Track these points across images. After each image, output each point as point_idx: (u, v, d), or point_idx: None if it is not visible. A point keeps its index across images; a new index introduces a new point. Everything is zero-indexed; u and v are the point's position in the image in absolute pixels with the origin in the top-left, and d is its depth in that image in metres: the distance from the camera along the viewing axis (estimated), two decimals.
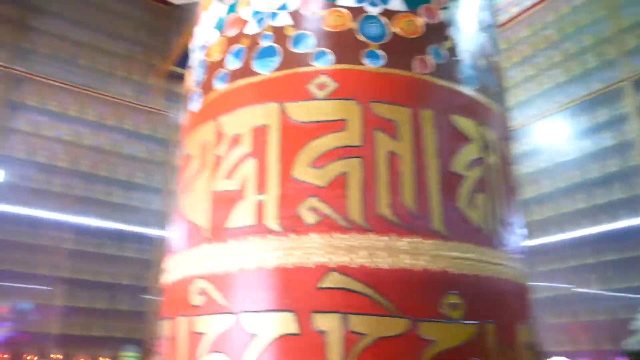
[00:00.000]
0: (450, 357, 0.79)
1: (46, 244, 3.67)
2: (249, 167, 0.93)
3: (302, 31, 0.99)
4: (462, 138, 0.94)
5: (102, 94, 4.26)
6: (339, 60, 0.96)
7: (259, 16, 1.05)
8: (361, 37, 0.96)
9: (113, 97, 4.29)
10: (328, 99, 0.93)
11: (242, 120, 0.97)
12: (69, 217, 3.79)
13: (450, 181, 0.90)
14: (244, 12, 1.07)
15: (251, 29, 1.04)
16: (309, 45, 0.98)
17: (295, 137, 0.92)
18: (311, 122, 0.92)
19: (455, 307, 0.82)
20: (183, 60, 4.14)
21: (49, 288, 3.54)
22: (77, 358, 3.41)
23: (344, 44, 0.96)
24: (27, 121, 3.86)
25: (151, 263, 3.99)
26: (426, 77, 0.95)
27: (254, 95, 0.98)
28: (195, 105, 1.10)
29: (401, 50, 0.96)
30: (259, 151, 0.94)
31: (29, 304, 3.45)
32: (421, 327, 0.81)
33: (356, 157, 0.89)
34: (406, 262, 0.82)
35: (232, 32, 1.08)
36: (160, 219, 4.16)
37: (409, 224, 0.86)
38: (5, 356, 3.18)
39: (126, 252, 3.98)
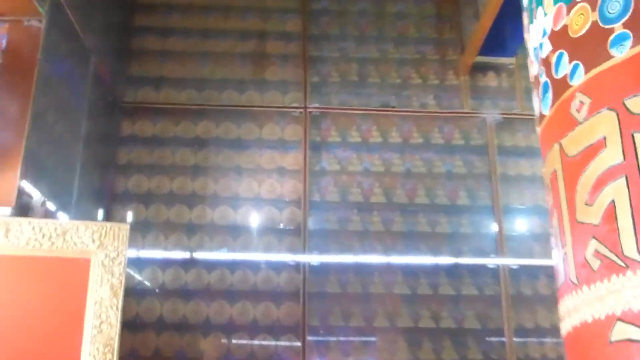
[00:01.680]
0: None
1: (376, 291, 4.60)
2: (555, 221, 1.18)
3: (557, 51, 1.19)
4: None
5: (401, 111, 5.27)
6: (587, 67, 1.09)
7: (535, 53, 1.31)
8: (603, 25, 1.06)
9: (414, 111, 5.28)
10: (587, 119, 1.08)
11: (546, 171, 1.23)
12: (395, 257, 4.73)
13: None
14: (531, 53, 1.34)
15: (535, 69, 1.31)
16: (564, 64, 1.16)
17: (572, 175, 1.07)
18: (579, 152, 1.07)
19: None
20: (486, 46, 4.78)
21: (388, 340, 4.49)
22: None
23: (589, 45, 1.10)
24: (332, 159, 5.16)
25: (498, 299, 4.66)
26: None
27: (546, 141, 1.22)
28: None
29: None
30: (556, 201, 1.14)
31: None
32: None
33: (620, 177, 0.97)
34: None
35: (531, 79, 1.38)
36: (497, 245, 4.81)
37: None
38: None
39: (466, 289, 4.69)
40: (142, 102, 5.23)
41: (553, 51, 1.27)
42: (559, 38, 1.24)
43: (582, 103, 1.16)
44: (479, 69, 5.24)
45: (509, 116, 5.21)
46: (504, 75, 5.31)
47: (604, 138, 1.10)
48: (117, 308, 2.82)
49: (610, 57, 1.11)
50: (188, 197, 4.97)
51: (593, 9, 1.17)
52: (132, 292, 4.39)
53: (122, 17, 5.42)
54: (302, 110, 5.32)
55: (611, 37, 1.12)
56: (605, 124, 1.09)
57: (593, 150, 1.12)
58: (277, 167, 5.12)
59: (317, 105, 5.37)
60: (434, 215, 4.98)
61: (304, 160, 5.13)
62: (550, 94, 1.25)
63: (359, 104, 5.33)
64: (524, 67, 4.97)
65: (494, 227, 4.92)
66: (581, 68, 1.19)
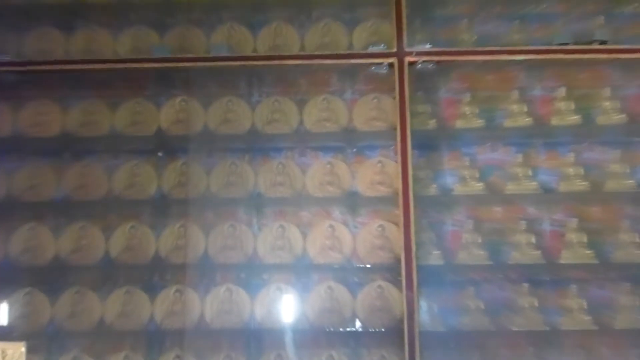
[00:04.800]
0: None
1: None
2: None
3: None
4: None
5: (620, 51, 4.78)
6: None
7: None
8: None
9: None
10: None
11: None
12: None
13: None
14: None
15: None
16: None
17: None
18: None
19: None
20: None
21: None
22: None
23: None
24: (465, 167, 4.77)
25: None
26: None
27: None
28: None
29: None
30: None
31: None
32: None
33: None
34: None
35: None
36: None
37: None
38: None
39: None
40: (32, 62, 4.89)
41: None
42: None
43: None
44: None
45: None
46: None
47: None
48: None
49: None
50: (145, 267, 4.73)
51: None
52: None
53: None
54: (393, 59, 4.79)
55: None
56: None
57: None
58: (341, 192, 4.76)
59: (427, 47, 4.85)
60: None
61: (402, 175, 4.64)
62: None
63: (520, 40, 4.95)
64: None
65: None
66: None
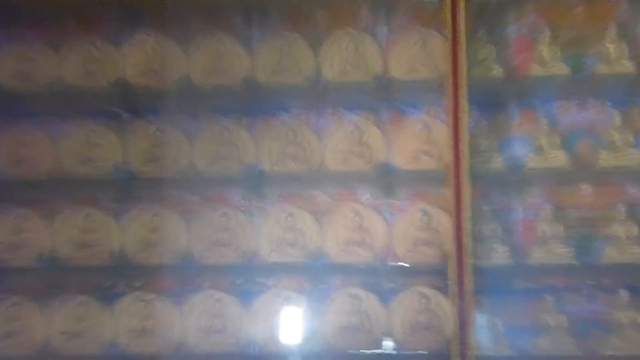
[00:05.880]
0: None
1: None
2: None
3: None
4: None
5: None
6: None
7: None
8: None
9: None
10: None
11: None
12: None
13: None
14: None
15: None
16: None
17: None
18: None
19: None
20: None
21: None
22: None
23: None
24: (540, 135, 4.41)
25: None
26: None
27: None
28: None
29: None
30: None
31: None
32: None
33: None
34: None
35: None
36: None
37: None
38: None
39: None
40: None
41: None
42: None
43: None
44: None
45: None
46: None
47: None
48: None
49: None
50: (105, 270, 4.46)
51: None
52: None
53: None
54: None
55: None
56: None
57: None
58: (372, 167, 4.38)
59: None
60: None
61: (455, 142, 4.21)
62: None
63: None
64: None
65: None
66: None
